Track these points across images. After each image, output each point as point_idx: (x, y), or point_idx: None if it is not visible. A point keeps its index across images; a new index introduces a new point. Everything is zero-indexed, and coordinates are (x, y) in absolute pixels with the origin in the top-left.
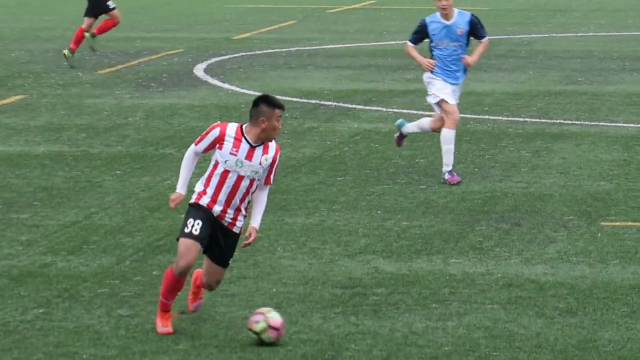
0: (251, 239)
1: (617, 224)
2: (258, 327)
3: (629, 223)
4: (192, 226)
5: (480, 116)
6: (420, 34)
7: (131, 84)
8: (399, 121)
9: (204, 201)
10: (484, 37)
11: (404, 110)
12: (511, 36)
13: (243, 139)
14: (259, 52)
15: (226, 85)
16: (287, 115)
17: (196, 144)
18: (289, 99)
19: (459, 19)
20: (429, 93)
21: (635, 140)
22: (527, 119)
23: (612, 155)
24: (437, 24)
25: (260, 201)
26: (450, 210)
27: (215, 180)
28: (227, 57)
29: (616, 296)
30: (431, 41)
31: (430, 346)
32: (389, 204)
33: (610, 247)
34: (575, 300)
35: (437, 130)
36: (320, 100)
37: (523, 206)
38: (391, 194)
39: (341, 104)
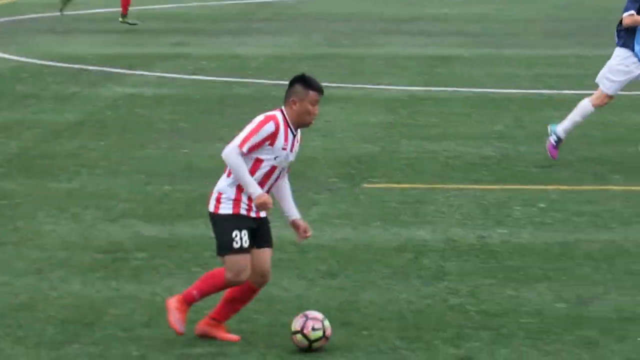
0: (310, 232)
1: (380, 185)
2: (315, 335)
3: (392, 185)
4: (241, 239)
5: (245, 80)
6: None
7: None
8: (550, 127)
9: (243, 209)
10: None
11: (168, 75)
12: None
13: (289, 129)
14: (23, 17)
15: None
16: (50, 80)
17: (241, 146)
18: (54, 63)
19: None
20: (616, 67)
21: (399, 103)
22: None
23: (375, 117)
24: None
25: (288, 190)
26: (212, 174)
27: (256, 180)
28: None
29: (377, 258)
30: None
31: (191, 310)
32: (151, 169)
33: (372, 209)
34: (337, 263)
35: (598, 107)
36: (84, 65)
37: None
38: (154, 158)
39: (105, 69)
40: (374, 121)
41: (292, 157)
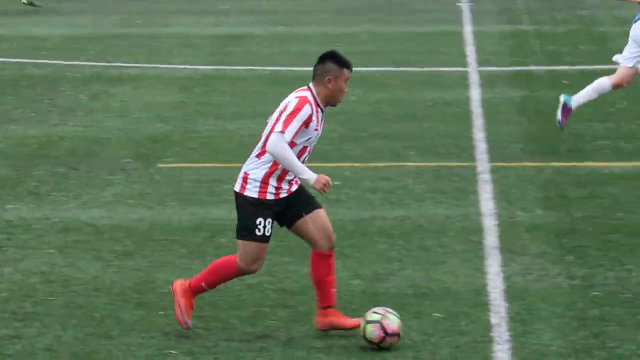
0: None
1: (175, 165)
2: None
3: (187, 164)
4: (264, 227)
5: (39, 60)
6: None
7: None
8: (563, 96)
9: (270, 194)
10: None
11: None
12: None
13: (319, 109)
14: None
15: None
16: None
17: (283, 131)
18: None
19: None
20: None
21: (192, 82)
22: (85, 63)
23: (169, 97)
24: None
25: None
26: (6, 155)
27: None
28: None
29: (174, 237)
30: None
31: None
32: None
33: (168, 189)
34: (133, 243)
35: (619, 87)
36: None
37: (80, 150)
38: None
39: None
40: (168, 101)
41: (319, 135)
